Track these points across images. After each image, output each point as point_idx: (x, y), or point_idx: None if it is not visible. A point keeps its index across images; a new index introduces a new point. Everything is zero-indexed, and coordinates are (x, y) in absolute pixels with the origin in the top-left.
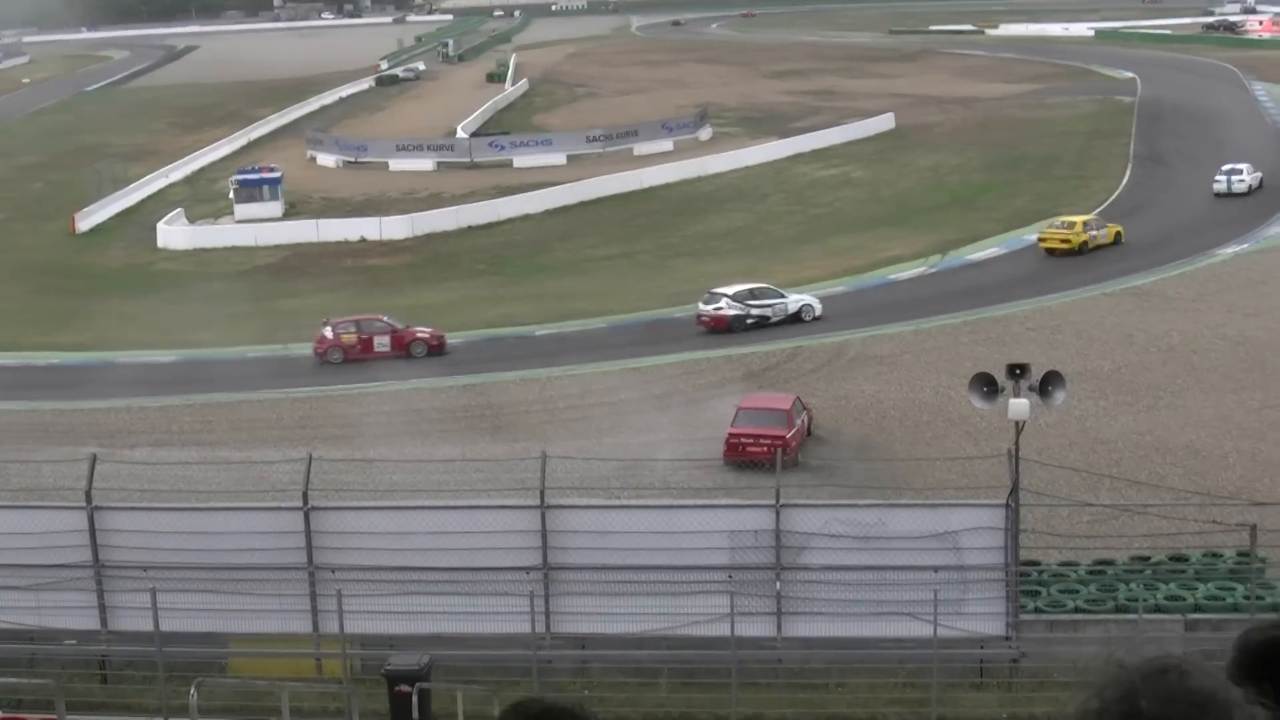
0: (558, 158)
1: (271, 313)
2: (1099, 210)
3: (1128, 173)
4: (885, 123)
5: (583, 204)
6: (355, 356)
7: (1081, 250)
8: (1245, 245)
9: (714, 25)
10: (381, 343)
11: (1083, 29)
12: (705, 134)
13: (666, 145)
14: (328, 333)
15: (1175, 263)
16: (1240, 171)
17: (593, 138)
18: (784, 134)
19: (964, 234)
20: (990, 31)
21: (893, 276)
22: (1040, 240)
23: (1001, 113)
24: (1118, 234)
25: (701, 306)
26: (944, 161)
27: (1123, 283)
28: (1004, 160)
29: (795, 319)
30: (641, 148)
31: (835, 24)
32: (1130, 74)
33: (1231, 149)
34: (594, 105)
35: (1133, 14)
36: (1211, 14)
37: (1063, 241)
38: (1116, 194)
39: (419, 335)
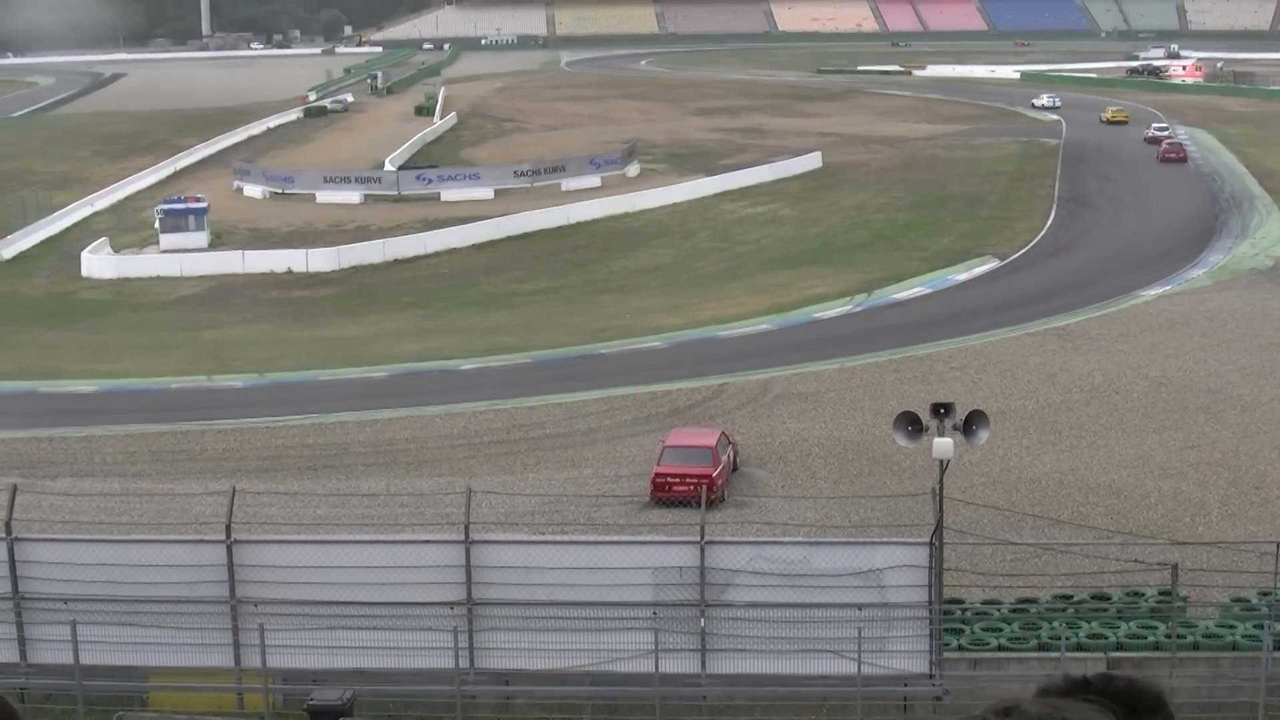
0: (485, 192)
1: (195, 343)
2: (1023, 251)
3: (1052, 214)
4: (812, 161)
5: (510, 238)
6: None
7: None
8: (1167, 286)
9: (642, 62)
10: None
11: (1009, 71)
12: (633, 170)
13: (594, 181)
14: None
15: (1098, 303)
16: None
17: (520, 172)
18: (711, 171)
19: (889, 272)
20: (917, 73)
21: (818, 314)
22: None
23: (927, 153)
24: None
25: None
26: (869, 200)
27: (1046, 323)
28: (929, 200)
29: None
30: (569, 183)
31: (763, 63)
32: (1055, 116)
33: (1154, 191)
34: (522, 140)
35: (1057, 57)
36: (1136, 58)
37: None
38: (1041, 235)
39: None
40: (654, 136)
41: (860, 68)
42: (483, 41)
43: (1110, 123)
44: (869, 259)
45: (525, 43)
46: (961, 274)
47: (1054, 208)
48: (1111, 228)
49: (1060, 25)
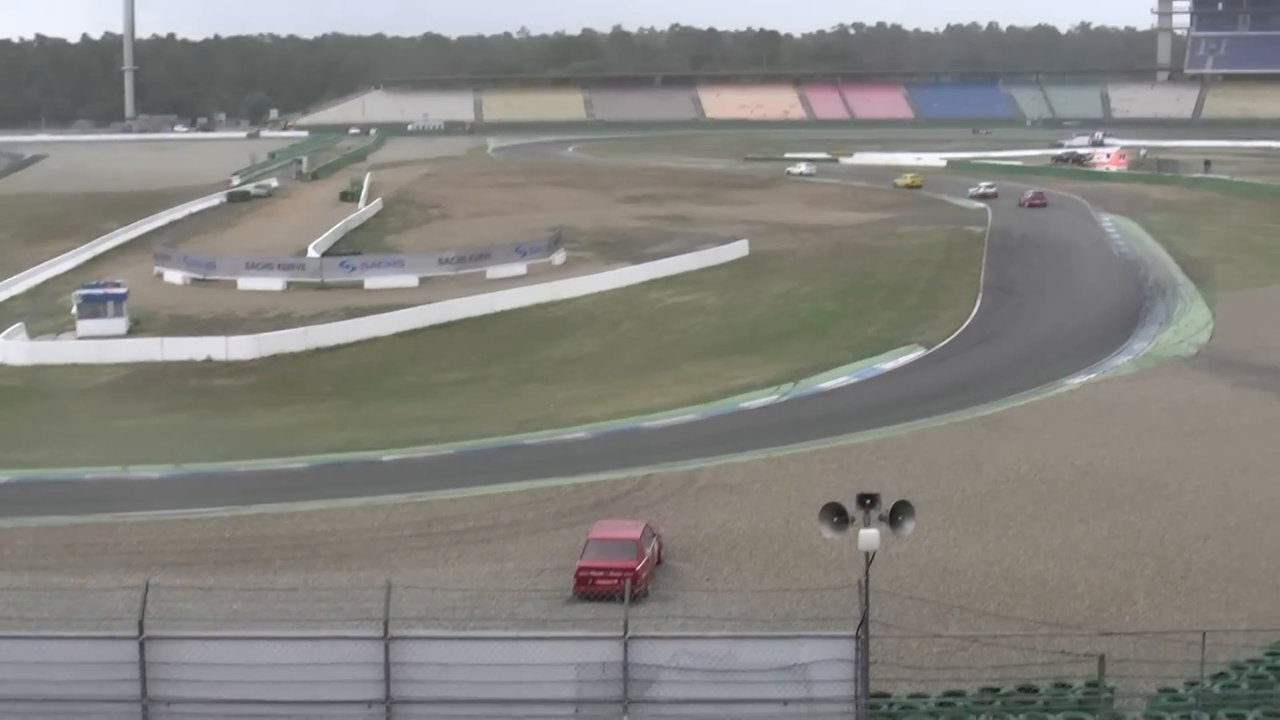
0: (409, 279)
1: (111, 433)
2: (949, 340)
3: (978, 302)
4: (739, 249)
5: (434, 327)
6: None
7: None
8: (1093, 374)
9: (570, 148)
10: None
11: (935, 159)
12: (559, 258)
13: (520, 269)
14: None
15: (1024, 392)
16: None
17: (445, 260)
18: (637, 259)
19: (816, 361)
20: (844, 160)
21: (745, 404)
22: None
23: (853, 241)
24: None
25: None
26: (797, 289)
27: (972, 412)
28: (856, 288)
29: None
30: (494, 271)
31: (691, 150)
32: (980, 204)
33: (1080, 279)
34: (447, 227)
35: (982, 144)
36: (1061, 145)
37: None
38: (966, 323)
39: None
40: (580, 224)
41: (788, 154)
42: (409, 127)
43: (908, 188)
44: (796, 348)
45: (452, 128)
46: (888, 363)
47: (980, 295)
48: (1037, 315)
49: (986, 113)
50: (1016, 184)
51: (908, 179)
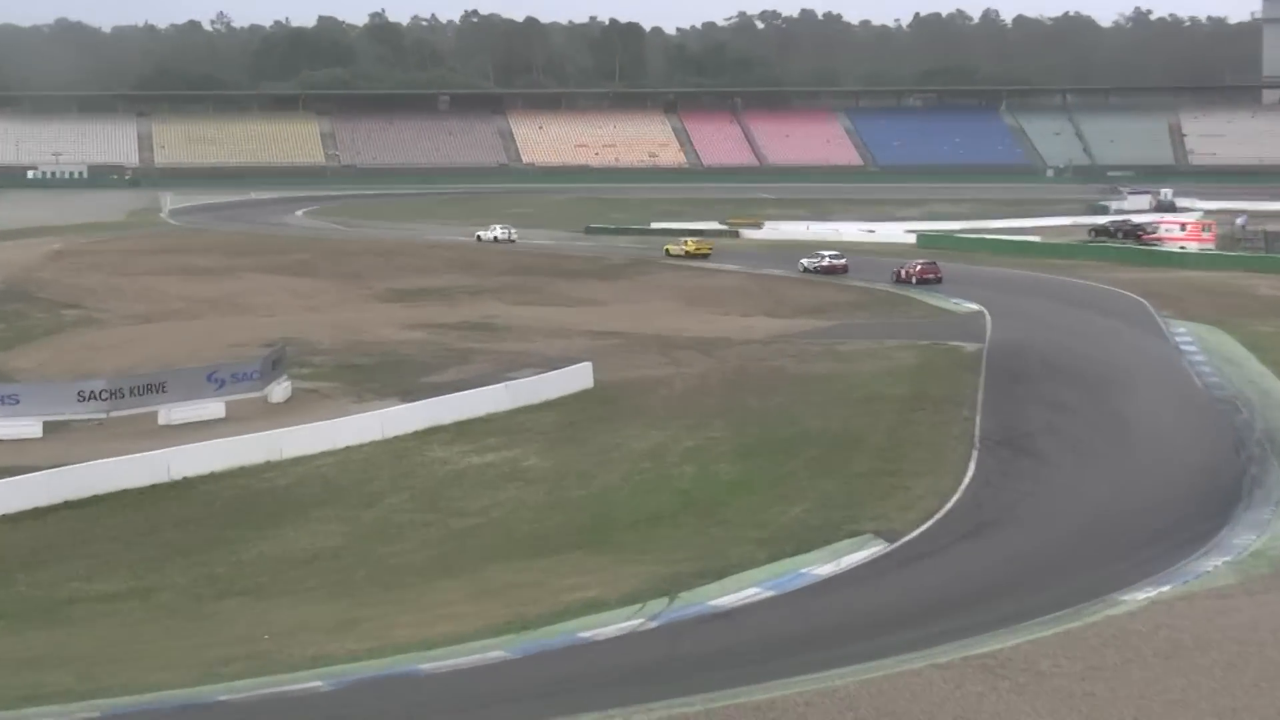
0: (29, 426)
1: None
2: (924, 528)
3: (971, 466)
4: (578, 378)
5: (70, 505)
6: None
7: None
8: (1164, 587)
9: (299, 211)
10: None
11: (897, 231)
12: (280, 391)
13: (214, 408)
14: None
15: (1051, 615)
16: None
17: (90, 394)
18: (410, 395)
19: (705, 563)
20: (749, 234)
21: (587, 634)
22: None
23: (766, 364)
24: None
25: None
26: (672, 443)
27: (963, 647)
28: (770, 442)
29: None
30: (172, 412)
31: (500, 214)
32: (975, 305)
33: (1139, 428)
34: (95, 338)
35: (976, 209)
36: (1105, 210)
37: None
38: (953, 500)
39: None
40: (316, 335)
41: (655, 224)
42: (30, 174)
43: (690, 255)
44: (671, 540)
45: (102, 177)
46: (824, 565)
47: (974, 455)
48: (1071, 488)
49: (980, 158)
50: (1027, 273)
51: (689, 245)
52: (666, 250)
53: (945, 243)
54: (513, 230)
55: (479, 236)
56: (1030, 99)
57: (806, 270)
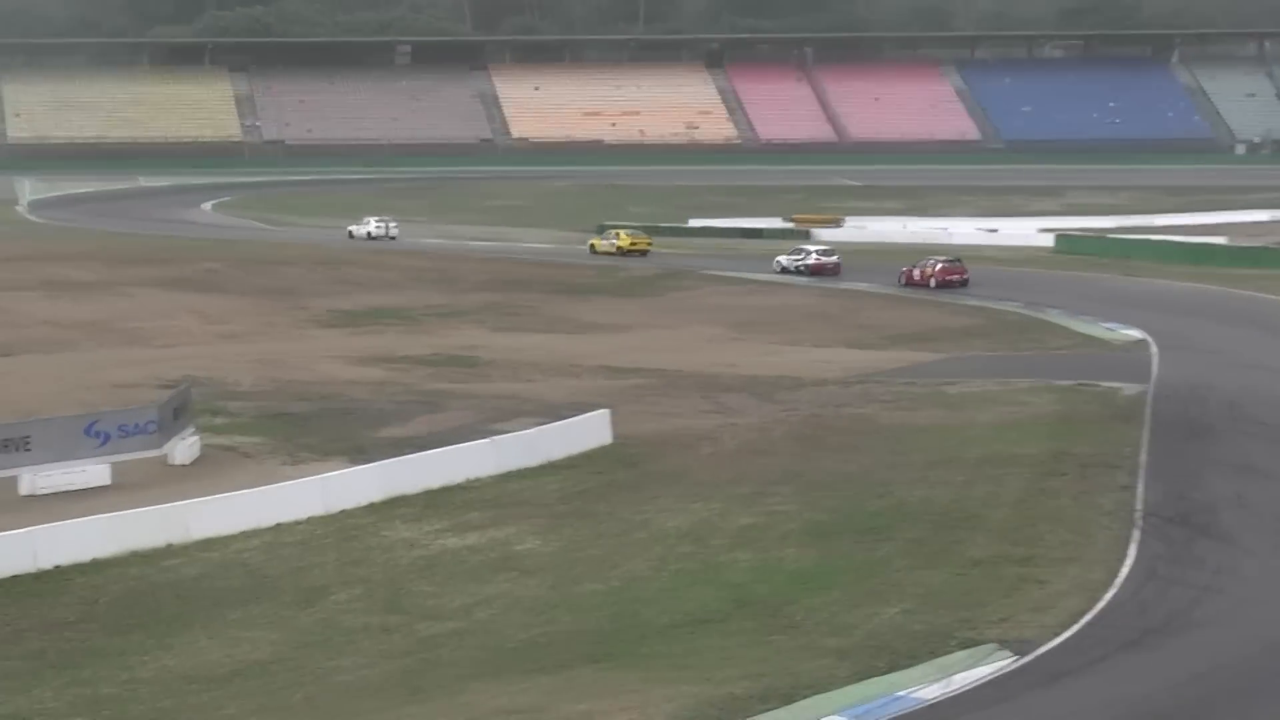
0: None
1: None
2: (1066, 636)
3: (1131, 551)
4: (590, 431)
5: None
6: None
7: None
8: None
9: (207, 204)
10: None
11: (1028, 230)
12: (185, 449)
13: (96, 472)
14: None
15: None
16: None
17: None
18: (363, 453)
19: (766, 683)
20: (825, 235)
21: None
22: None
23: (847, 412)
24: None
25: None
26: (720, 519)
27: None
28: (853, 520)
29: None
30: (39, 477)
31: (478, 209)
32: (1135, 332)
33: None
34: None
35: (1136, 200)
36: None
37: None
38: (1107, 598)
39: None
40: (233, 373)
41: (693, 222)
42: None
43: (625, 252)
44: (720, 651)
45: None
46: (928, 686)
47: (1134, 537)
48: (1267, 582)
49: (1142, 130)
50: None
51: (621, 239)
52: (592, 246)
53: (1093, 247)
54: (391, 224)
55: (350, 232)
56: (1214, 47)
57: (786, 269)
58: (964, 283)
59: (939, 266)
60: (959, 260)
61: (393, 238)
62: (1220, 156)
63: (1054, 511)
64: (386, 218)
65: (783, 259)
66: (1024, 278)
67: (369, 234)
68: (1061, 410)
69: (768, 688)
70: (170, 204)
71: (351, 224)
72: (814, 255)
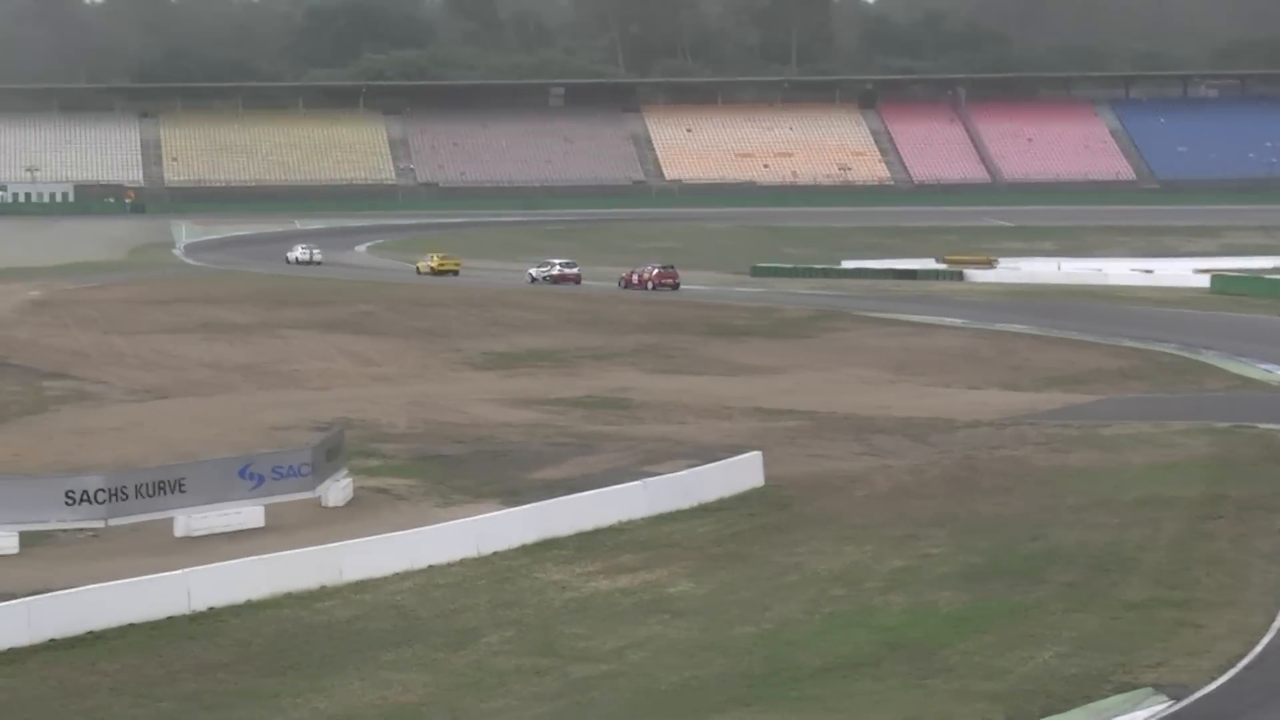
0: (2, 538)
1: None
2: (1225, 679)
3: None
4: (743, 474)
5: (56, 646)
6: None
7: None
8: None
9: (361, 247)
10: None
11: (1184, 270)
12: (338, 491)
13: (250, 514)
14: None
15: None
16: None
17: (82, 495)
18: (516, 495)
19: None
20: (978, 275)
21: None
22: None
23: (1001, 454)
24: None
25: None
26: (873, 562)
27: None
28: (1008, 563)
29: None
30: (194, 519)
31: (632, 250)
32: None
33: None
34: (87, 420)
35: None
36: None
37: None
38: (1265, 641)
39: None
40: (387, 415)
41: (846, 263)
42: None
43: (437, 271)
44: (873, 696)
45: (94, 200)
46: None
47: None
48: None
49: None
50: None
51: (435, 260)
52: (417, 269)
53: (1249, 287)
54: (315, 250)
55: (288, 258)
56: None
57: (535, 280)
58: (675, 286)
59: (655, 271)
60: (672, 266)
61: (317, 262)
62: None
63: (1211, 554)
64: (310, 244)
65: (533, 270)
66: (1180, 318)
67: (296, 259)
68: (1219, 452)
69: None
70: (325, 246)
71: (532, 267)
72: (557, 267)
